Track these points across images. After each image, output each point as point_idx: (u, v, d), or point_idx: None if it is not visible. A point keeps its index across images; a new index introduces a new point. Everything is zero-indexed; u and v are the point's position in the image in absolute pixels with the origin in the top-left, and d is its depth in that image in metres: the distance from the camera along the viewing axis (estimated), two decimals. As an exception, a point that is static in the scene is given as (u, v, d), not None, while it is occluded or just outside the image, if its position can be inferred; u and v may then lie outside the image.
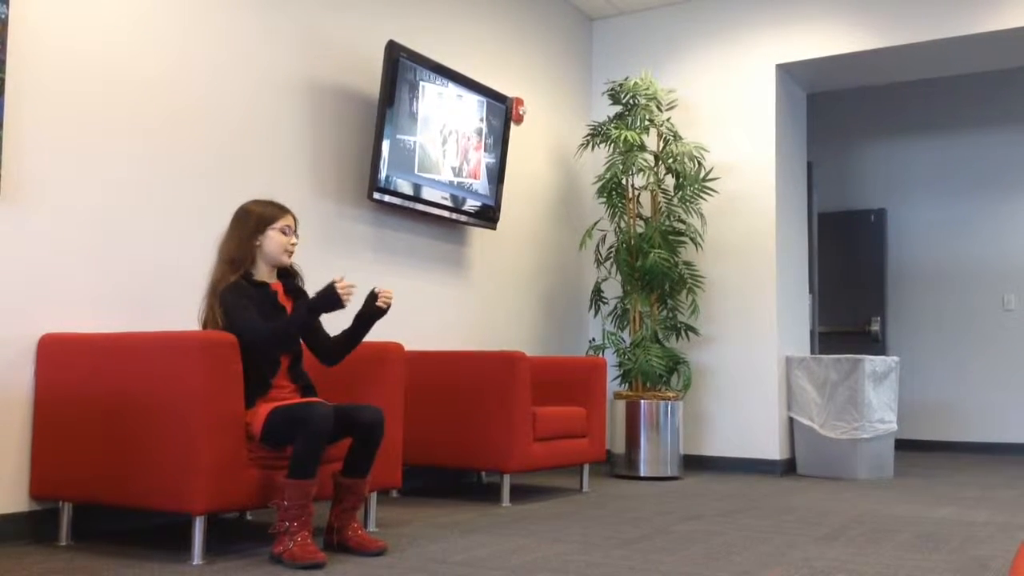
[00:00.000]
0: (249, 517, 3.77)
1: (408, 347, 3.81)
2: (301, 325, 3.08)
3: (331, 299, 2.98)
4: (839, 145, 8.26)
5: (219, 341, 2.89)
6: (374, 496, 3.51)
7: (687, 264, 5.76)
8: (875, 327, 7.92)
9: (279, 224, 3.14)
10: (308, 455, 2.81)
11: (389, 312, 3.23)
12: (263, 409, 2.96)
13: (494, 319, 5.48)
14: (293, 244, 3.18)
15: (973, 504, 4.46)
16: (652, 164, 5.77)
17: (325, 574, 2.72)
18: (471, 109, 5.06)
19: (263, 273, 3.16)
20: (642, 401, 5.46)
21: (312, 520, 2.86)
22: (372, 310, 3.19)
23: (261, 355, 3.03)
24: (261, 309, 3.06)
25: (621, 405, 5.53)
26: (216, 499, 2.84)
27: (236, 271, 3.07)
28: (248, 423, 2.96)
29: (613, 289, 5.85)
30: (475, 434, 4.23)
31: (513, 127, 5.36)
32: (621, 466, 5.51)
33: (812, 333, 6.78)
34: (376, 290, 3.19)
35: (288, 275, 3.25)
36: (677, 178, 5.73)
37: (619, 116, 5.77)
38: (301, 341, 3.22)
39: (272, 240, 3.13)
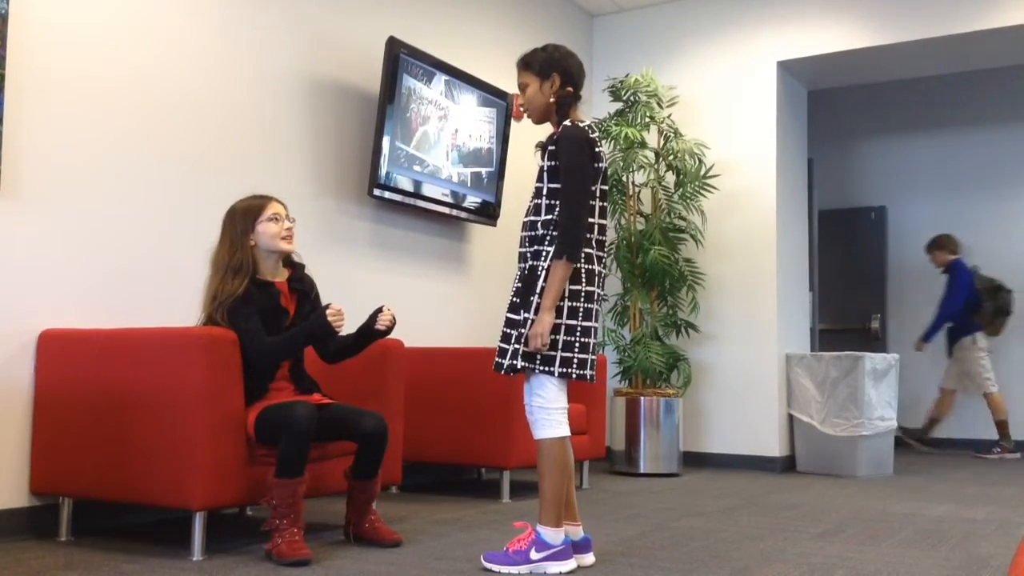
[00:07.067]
0: (249, 512, 3.77)
1: (408, 344, 3.82)
2: (293, 349, 3.08)
3: (320, 328, 2.99)
4: (840, 142, 8.25)
5: (220, 338, 2.89)
6: (374, 492, 3.52)
7: (687, 261, 5.76)
8: (875, 324, 7.92)
9: (266, 215, 3.11)
10: (293, 455, 2.81)
11: (391, 333, 3.23)
12: (255, 409, 2.97)
13: (494, 316, 5.46)
14: (287, 229, 3.14)
15: (973, 501, 4.46)
16: (653, 161, 5.76)
17: (325, 570, 2.72)
18: (471, 106, 5.05)
19: (268, 271, 3.14)
20: (642, 398, 5.46)
21: (302, 517, 2.86)
22: (372, 330, 3.18)
23: (260, 365, 3.03)
24: (263, 312, 3.05)
25: (621, 402, 5.53)
26: (215, 495, 2.85)
27: (239, 277, 3.03)
28: (246, 423, 2.96)
29: (613, 286, 5.85)
30: (475, 431, 4.24)
31: (513, 123, 5.36)
32: (621, 463, 5.51)
33: (812, 330, 6.78)
34: (382, 309, 3.17)
35: (294, 267, 3.24)
36: (678, 175, 5.73)
37: (620, 113, 5.77)
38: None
39: (264, 233, 3.10)
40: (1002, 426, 6.85)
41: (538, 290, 2.72)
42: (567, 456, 2.79)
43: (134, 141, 3.54)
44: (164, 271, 3.61)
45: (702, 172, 5.70)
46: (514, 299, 2.81)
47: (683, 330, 5.76)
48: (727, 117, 6.05)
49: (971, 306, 7.05)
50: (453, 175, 4.94)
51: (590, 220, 2.78)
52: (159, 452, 2.88)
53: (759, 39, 6.02)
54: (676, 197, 5.72)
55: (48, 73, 3.27)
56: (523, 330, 2.73)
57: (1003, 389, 7.43)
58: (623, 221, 5.75)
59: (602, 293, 2.87)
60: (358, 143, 4.56)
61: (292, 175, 4.21)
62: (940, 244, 7.22)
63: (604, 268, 2.88)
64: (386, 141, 4.47)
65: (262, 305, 3.06)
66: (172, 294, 3.60)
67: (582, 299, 2.75)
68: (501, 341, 2.81)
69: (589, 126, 2.84)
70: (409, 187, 4.65)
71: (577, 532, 2.85)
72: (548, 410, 2.75)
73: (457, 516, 3.76)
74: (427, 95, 4.73)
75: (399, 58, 4.52)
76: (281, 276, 3.19)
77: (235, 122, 3.95)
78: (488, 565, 2.74)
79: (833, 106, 7.86)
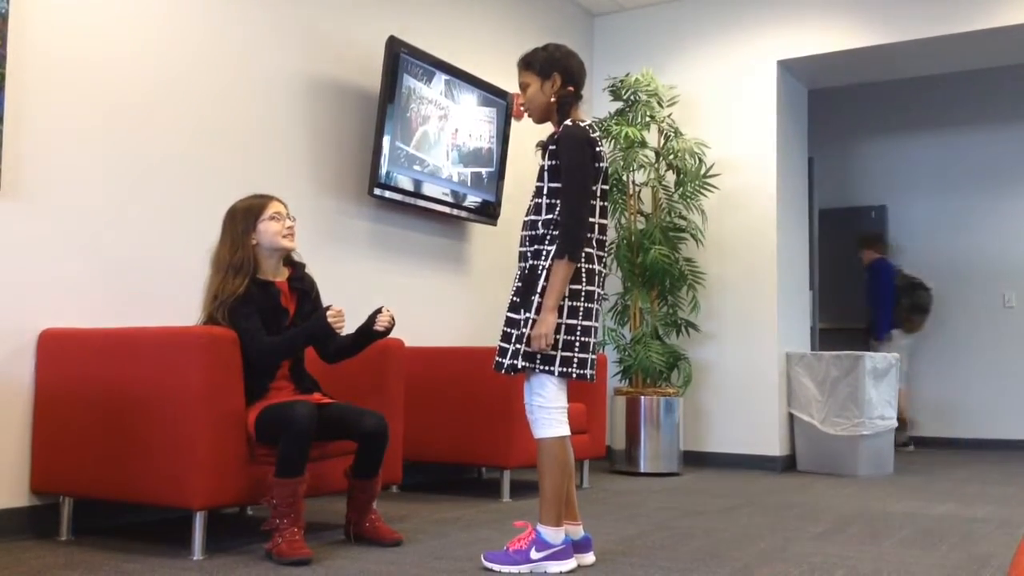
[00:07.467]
0: (250, 512, 3.77)
1: (409, 343, 3.81)
2: (293, 349, 3.08)
3: (321, 329, 3.00)
4: (840, 141, 8.25)
5: (220, 337, 2.89)
6: (374, 492, 3.52)
7: (688, 260, 5.76)
8: (876, 324, 7.92)
9: (267, 213, 3.11)
10: (293, 454, 2.81)
11: (390, 333, 3.23)
12: (256, 408, 2.97)
13: (494, 315, 5.46)
14: (289, 227, 3.14)
15: (973, 500, 4.46)
16: (653, 160, 5.76)
17: (325, 570, 2.72)
18: (471, 105, 5.05)
19: (269, 270, 3.14)
20: (642, 397, 5.46)
21: (303, 516, 2.87)
22: (371, 331, 3.18)
23: (260, 365, 3.03)
24: (263, 312, 3.06)
25: (621, 401, 5.54)
26: (216, 495, 2.85)
27: (240, 276, 3.03)
28: (247, 422, 2.96)
29: (614, 285, 5.85)
30: (475, 430, 4.24)
31: (513, 123, 5.36)
32: (621, 462, 5.51)
33: (812, 329, 6.78)
34: (381, 309, 3.17)
35: (295, 266, 3.24)
36: (678, 174, 5.73)
37: (620, 112, 5.77)
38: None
39: (266, 232, 3.10)
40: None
41: (539, 290, 2.73)
42: (567, 455, 2.79)
43: (134, 141, 3.54)
44: (164, 271, 3.61)
45: (702, 171, 5.70)
46: (514, 299, 2.81)
47: (683, 329, 5.76)
48: (727, 117, 6.05)
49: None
50: (453, 175, 4.94)
51: (591, 220, 2.78)
52: (159, 451, 2.88)
53: (759, 39, 6.01)
54: (676, 196, 5.72)
55: (48, 73, 3.27)
56: (524, 330, 2.73)
57: (1006, 385, 7.44)
58: (623, 220, 5.75)
59: (602, 293, 2.87)
60: (358, 143, 4.56)
61: (292, 175, 4.21)
62: (871, 243, 7.35)
63: (604, 268, 2.89)
64: (386, 141, 4.47)
65: (262, 305, 3.07)
66: (172, 294, 3.60)
67: (582, 299, 2.75)
68: (501, 340, 2.81)
69: (590, 125, 2.85)
70: (409, 186, 4.65)
71: (577, 531, 2.86)
72: (548, 409, 2.76)
73: (457, 516, 3.76)
74: (427, 95, 4.73)
75: (399, 58, 4.52)
76: (281, 275, 3.19)
77: (235, 122, 3.95)
78: (488, 564, 2.75)
79: (833, 105, 7.86)
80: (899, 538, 3.40)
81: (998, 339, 7.59)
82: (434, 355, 4.46)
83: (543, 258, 2.75)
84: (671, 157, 5.72)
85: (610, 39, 6.48)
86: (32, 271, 3.19)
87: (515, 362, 2.74)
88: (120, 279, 3.46)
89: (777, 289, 5.85)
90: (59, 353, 3.16)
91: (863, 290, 7.42)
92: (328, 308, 3.01)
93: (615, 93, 5.80)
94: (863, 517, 3.88)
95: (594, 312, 2.79)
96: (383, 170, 4.47)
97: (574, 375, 2.73)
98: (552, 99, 2.87)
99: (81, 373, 3.09)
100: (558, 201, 2.76)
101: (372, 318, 3.17)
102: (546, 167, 2.82)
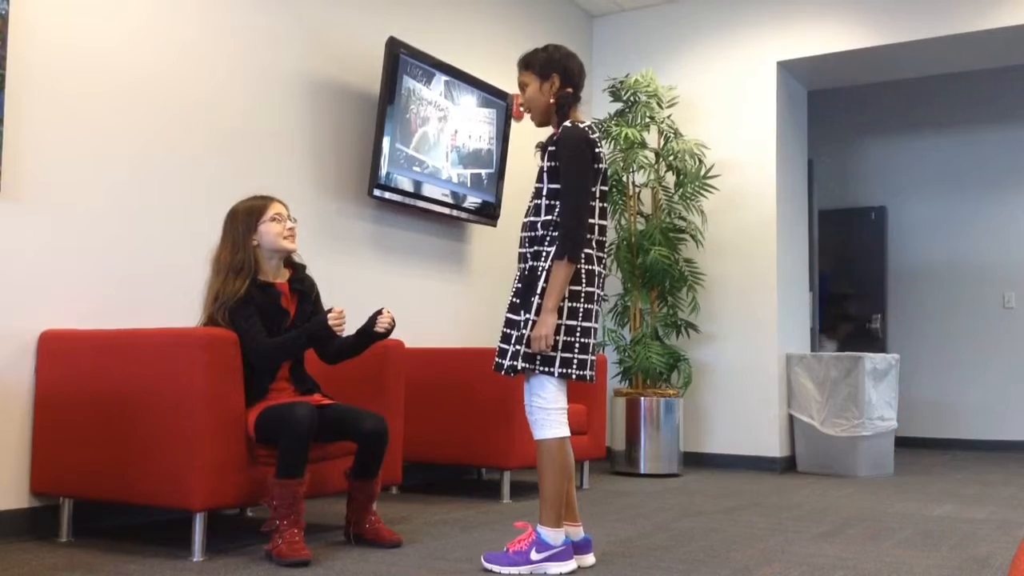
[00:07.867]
0: (250, 513, 3.77)
1: (408, 344, 3.82)
2: (294, 351, 3.08)
3: (321, 331, 3.00)
4: (840, 142, 8.25)
5: (220, 338, 2.89)
6: (374, 493, 3.52)
7: (688, 261, 5.77)
8: (875, 324, 7.92)
9: (268, 214, 3.11)
10: (292, 455, 2.81)
11: (391, 334, 3.22)
12: (256, 410, 2.97)
13: (494, 316, 5.48)
14: (290, 229, 3.15)
15: (973, 501, 4.46)
16: (653, 161, 5.76)
17: (325, 571, 2.72)
18: (471, 106, 5.06)
19: (270, 271, 3.15)
20: (642, 398, 5.46)
21: (302, 518, 2.87)
22: (371, 332, 3.17)
23: (260, 366, 3.03)
24: (264, 313, 3.06)
25: (621, 402, 5.54)
26: (216, 495, 2.85)
27: (241, 278, 3.03)
28: (247, 423, 2.96)
29: (614, 286, 5.85)
30: (475, 431, 4.24)
31: (513, 124, 5.36)
32: (621, 463, 5.51)
33: (812, 330, 6.78)
34: (381, 311, 3.17)
35: (295, 267, 3.24)
36: (678, 175, 5.73)
37: (620, 113, 5.78)
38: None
39: (267, 233, 3.10)
40: None
41: (539, 291, 2.73)
42: (567, 456, 2.79)
43: (134, 141, 3.54)
44: (164, 272, 3.61)
45: (702, 172, 5.70)
46: (514, 299, 2.81)
47: (683, 330, 5.76)
48: (727, 117, 6.05)
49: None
50: (453, 176, 4.94)
51: (590, 220, 2.79)
52: (160, 452, 2.88)
53: (759, 39, 6.02)
54: (676, 197, 5.72)
55: (48, 73, 3.27)
56: (523, 331, 2.73)
57: (1006, 386, 7.43)
58: (623, 221, 5.75)
59: (602, 293, 2.87)
60: (358, 143, 4.56)
61: (292, 176, 4.21)
62: None
63: (604, 268, 2.89)
64: (386, 142, 4.47)
65: (263, 306, 3.07)
66: (172, 294, 3.60)
67: (582, 299, 2.76)
68: (501, 341, 2.81)
69: (589, 127, 2.85)
70: (409, 187, 4.65)
71: (577, 532, 2.86)
72: (548, 410, 2.76)
73: (457, 516, 3.76)
74: (427, 96, 4.73)
75: (399, 58, 4.52)
76: (282, 277, 3.19)
77: (235, 122, 3.95)
78: (488, 566, 2.75)
79: (833, 106, 7.86)
80: (899, 539, 3.40)
81: (998, 339, 7.59)
82: (434, 355, 4.46)
83: (543, 259, 2.76)
84: (671, 158, 5.72)
85: (609, 40, 6.48)
86: (32, 272, 3.19)
87: (515, 363, 2.74)
88: (120, 280, 3.46)
89: (777, 289, 5.85)
90: (59, 354, 3.16)
91: None
92: (330, 310, 3.01)
93: (615, 94, 5.80)
94: (863, 518, 3.88)
95: (594, 313, 2.79)
96: (383, 171, 4.47)
97: (574, 376, 2.73)
98: (551, 100, 2.87)
99: (81, 374, 3.09)
100: (557, 202, 2.76)
101: (372, 319, 3.16)
102: (545, 168, 2.82)
